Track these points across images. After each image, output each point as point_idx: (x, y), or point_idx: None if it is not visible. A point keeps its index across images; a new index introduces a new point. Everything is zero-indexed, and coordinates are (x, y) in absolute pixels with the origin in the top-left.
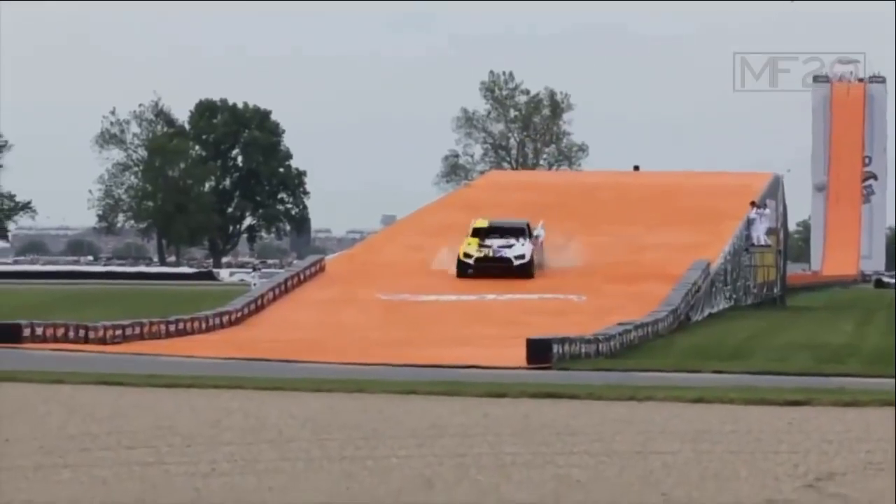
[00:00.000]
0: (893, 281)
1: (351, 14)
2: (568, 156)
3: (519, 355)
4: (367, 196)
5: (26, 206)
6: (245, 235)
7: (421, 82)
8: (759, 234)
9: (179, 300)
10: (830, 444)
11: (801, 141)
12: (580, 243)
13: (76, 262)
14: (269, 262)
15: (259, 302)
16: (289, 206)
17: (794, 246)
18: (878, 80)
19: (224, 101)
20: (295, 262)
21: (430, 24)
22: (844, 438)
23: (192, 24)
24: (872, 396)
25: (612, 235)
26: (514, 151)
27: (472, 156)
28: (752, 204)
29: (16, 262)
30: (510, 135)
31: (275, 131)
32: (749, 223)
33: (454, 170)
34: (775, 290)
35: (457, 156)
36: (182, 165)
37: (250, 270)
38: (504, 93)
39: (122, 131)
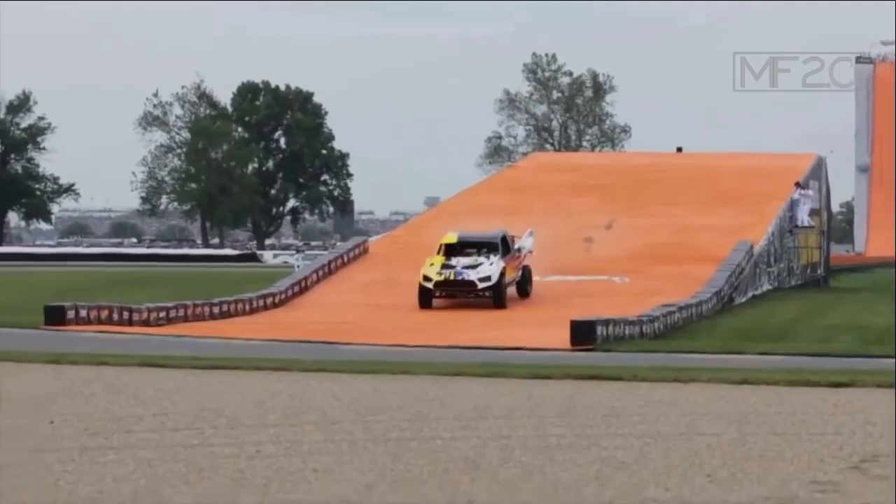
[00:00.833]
0: None
1: None
2: (611, 137)
3: (563, 337)
4: (411, 178)
5: (70, 189)
6: (288, 217)
7: (464, 64)
8: (803, 215)
9: (223, 282)
10: (875, 425)
11: (845, 121)
12: (621, 227)
13: (120, 245)
14: (313, 243)
15: (303, 284)
16: (332, 187)
17: (838, 227)
18: None
19: (266, 83)
20: (338, 243)
21: (472, 7)
22: (889, 420)
23: (237, 7)
24: None
25: (656, 217)
26: (556, 133)
27: (514, 137)
28: (797, 184)
29: (60, 245)
30: (553, 116)
31: (318, 113)
32: (793, 204)
33: (497, 151)
34: (819, 272)
35: (500, 137)
36: (225, 147)
37: (294, 252)
38: (547, 74)
39: (165, 113)
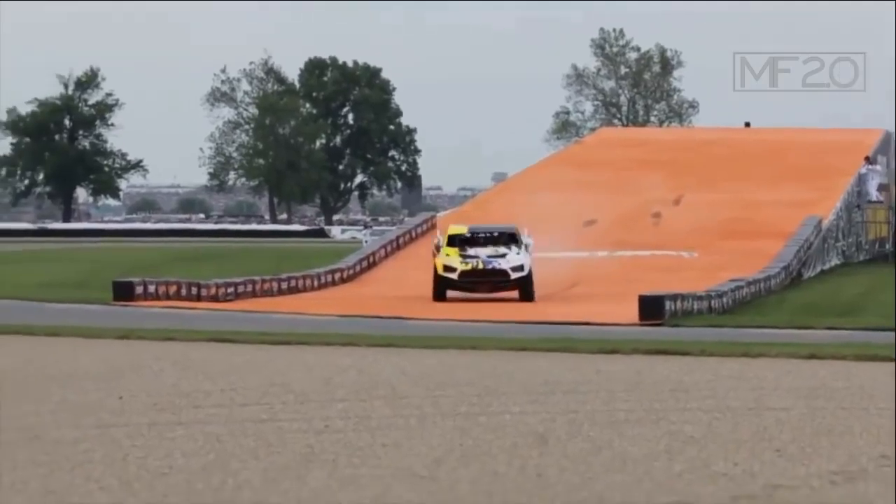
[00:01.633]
0: None
1: None
2: (679, 112)
3: (631, 312)
4: (478, 153)
5: (138, 165)
6: (356, 193)
7: (532, 39)
8: (871, 189)
9: (291, 258)
10: None
11: None
12: (689, 202)
13: (188, 220)
14: (381, 219)
15: (370, 259)
16: (399, 163)
17: None
18: None
19: (334, 59)
20: (406, 219)
21: None
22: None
23: None
24: None
25: (724, 192)
26: (624, 108)
27: (582, 113)
28: (866, 159)
29: (128, 221)
30: (621, 92)
31: (385, 89)
32: (861, 179)
33: (565, 127)
34: (887, 246)
35: (567, 113)
36: (293, 123)
37: (361, 228)
38: (615, 50)
39: (233, 89)
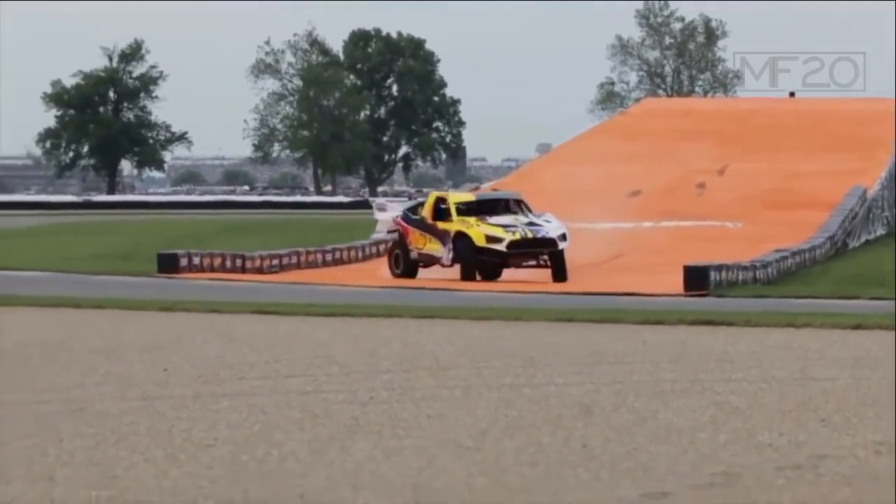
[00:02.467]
0: None
1: None
2: (723, 83)
3: (676, 282)
4: (523, 124)
5: (182, 137)
6: (400, 164)
7: (576, 9)
8: None
9: (336, 229)
10: None
11: None
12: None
13: (232, 192)
14: (425, 190)
15: None
16: (444, 134)
17: None
18: None
19: (378, 31)
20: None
21: None
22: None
23: None
24: None
25: (768, 162)
26: (669, 79)
27: (627, 83)
28: None
29: (173, 193)
30: (665, 62)
31: (429, 60)
32: None
33: (609, 97)
34: None
35: (612, 83)
36: (337, 95)
37: (406, 199)
38: (659, 20)
39: (277, 61)
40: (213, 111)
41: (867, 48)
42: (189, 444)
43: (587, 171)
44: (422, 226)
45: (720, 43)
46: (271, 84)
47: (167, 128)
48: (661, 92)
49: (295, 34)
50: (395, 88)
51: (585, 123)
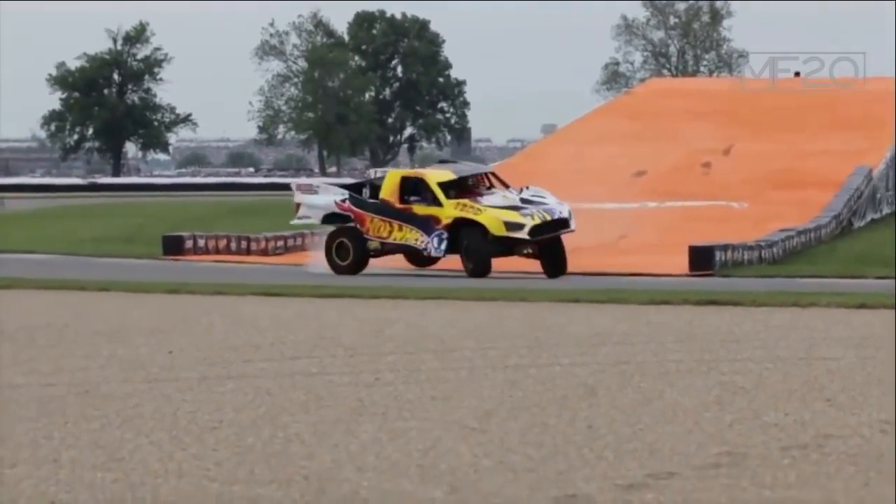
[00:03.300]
0: None
1: None
2: (728, 62)
3: (681, 262)
4: (527, 105)
5: (187, 119)
6: (405, 145)
7: None
8: None
9: None
10: None
11: None
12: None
13: (237, 174)
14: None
15: None
16: (449, 115)
17: None
18: None
19: (382, 12)
20: None
21: None
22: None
23: None
24: None
25: (773, 142)
26: (674, 59)
27: (632, 63)
28: None
29: (178, 175)
30: (670, 42)
31: (434, 41)
32: None
33: (614, 77)
34: None
35: (617, 63)
36: (342, 76)
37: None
38: (663, 0)
39: (282, 42)
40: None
41: (867, 48)
42: (194, 427)
43: (592, 151)
44: (385, 211)
45: (725, 23)
46: (276, 66)
47: (172, 110)
48: (665, 72)
49: (299, 15)
50: (399, 70)
51: (590, 104)
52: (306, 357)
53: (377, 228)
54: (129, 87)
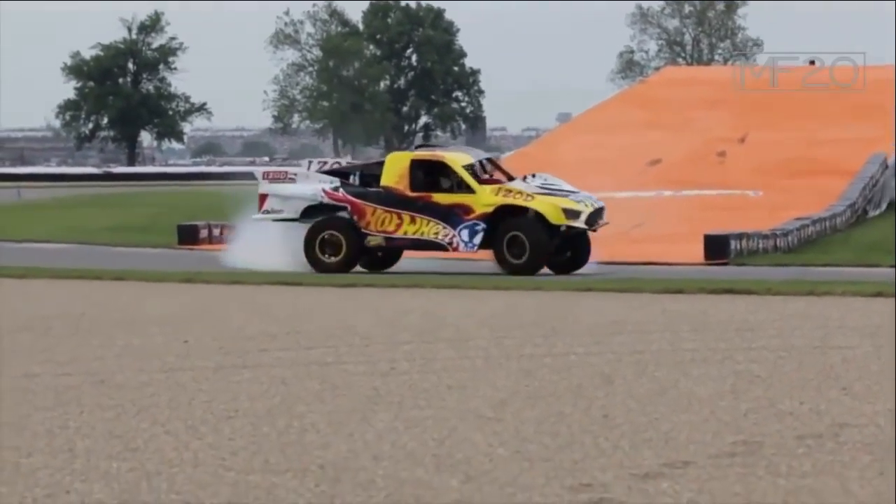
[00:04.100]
0: None
1: None
2: (743, 51)
3: (696, 251)
4: (543, 93)
5: (202, 108)
6: (420, 134)
7: None
8: None
9: None
10: None
11: None
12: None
13: (252, 163)
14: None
15: None
16: (464, 104)
17: None
18: None
19: (397, 1)
20: None
21: None
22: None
23: None
24: None
25: (788, 130)
26: (689, 47)
27: (647, 52)
28: None
29: (193, 164)
30: (685, 30)
31: (449, 30)
32: None
33: (629, 66)
34: None
35: (632, 52)
36: (356, 65)
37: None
38: None
39: (297, 31)
40: (233, 82)
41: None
42: (210, 416)
43: (607, 140)
44: (391, 200)
45: (740, 10)
46: (291, 55)
47: (187, 99)
48: (680, 60)
49: (314, 4)
50: (414, 58)
51: (605, 93)
52: (322, 346)
53: (381, 222)
54: (144, 76)
